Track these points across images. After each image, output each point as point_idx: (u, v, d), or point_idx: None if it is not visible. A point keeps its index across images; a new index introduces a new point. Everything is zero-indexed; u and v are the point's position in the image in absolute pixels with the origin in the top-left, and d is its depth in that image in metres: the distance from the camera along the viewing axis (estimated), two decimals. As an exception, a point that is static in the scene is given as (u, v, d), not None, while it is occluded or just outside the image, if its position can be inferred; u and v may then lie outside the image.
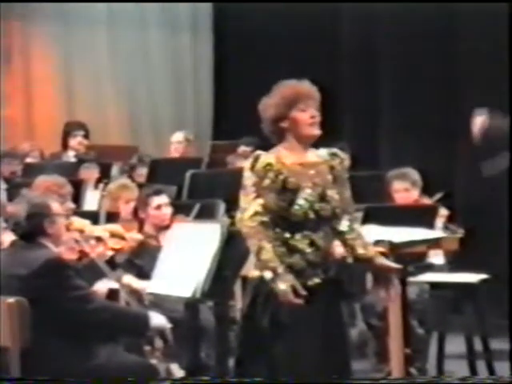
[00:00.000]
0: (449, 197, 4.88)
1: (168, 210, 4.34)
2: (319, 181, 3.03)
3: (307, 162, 3.05)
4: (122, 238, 3.86)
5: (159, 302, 3.61)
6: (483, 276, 4.16)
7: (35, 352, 2.99)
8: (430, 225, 4.05)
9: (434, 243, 3.90)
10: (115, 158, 6.11)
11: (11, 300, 3.00)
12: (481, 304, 4.10)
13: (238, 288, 4.01)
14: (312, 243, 2.99)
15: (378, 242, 3.40)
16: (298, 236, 2.98)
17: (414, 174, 4.76)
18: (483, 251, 5.67)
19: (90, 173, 5.51)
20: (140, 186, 4.97)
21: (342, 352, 3.06)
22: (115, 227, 3.95)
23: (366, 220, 3.90)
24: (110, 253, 3.69)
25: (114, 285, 3.67)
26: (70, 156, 6.26)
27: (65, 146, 6.37)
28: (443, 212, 4.65)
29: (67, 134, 6.37)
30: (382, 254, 3.16)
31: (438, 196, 4.81)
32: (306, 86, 3.05)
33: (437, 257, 4.53)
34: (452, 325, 4.26)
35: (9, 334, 3.00)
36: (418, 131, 6.36)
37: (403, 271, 3.21)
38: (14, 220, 3.17)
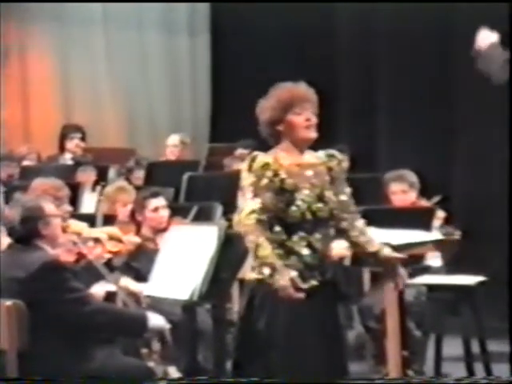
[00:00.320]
0: (446, 200, 4.88)
1: (165, 213, 4.33)
2: (317, 182, 3.04)
3: (305, 163, 3.06)
4: (120, 240, 3.86)
5: (156, 305, 3.61)
6: (481, 278, 4.16)
7: (33, 354, 2.99)
8: (428, 227, 4.05)
9: (432, 245, 3.90)
10: (112, 160, 6.10)
11: (9, 303, 3.00)
12: (478, 306, 4.10)
13: (235, 290, 4.01)
14: (309, 245, 2.99)
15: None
16: (294, 238, 2.98)
17: (412, 176, 4.76)
18: (480, 253, 5.68)
19: (87, 175, 5.50)
20: (137, 188, 4.97)
21: (340, 354, 3.06)
22: (113, 230, 3.95)
23: (363, 222, 3.90)
24: (107, 255, 3.69)
25: (112, 287, 3.66)
26: (67, 159, 6.25)
27: (62, 148, 6.36)
28: (440, 214, 4.65)
29: (64, 136, 6.37)
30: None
31: (436, 199, 4.81)
32: (302, 89, 3.05)
33: (434, 259, 4.53)
34: (449, 327, 4.26)
35: (6, 336, 3.00)
36: (415, 133, 6.37)
37: (407, 260, 3.23)
38: (9, 224, 3.18)
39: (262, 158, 3.01)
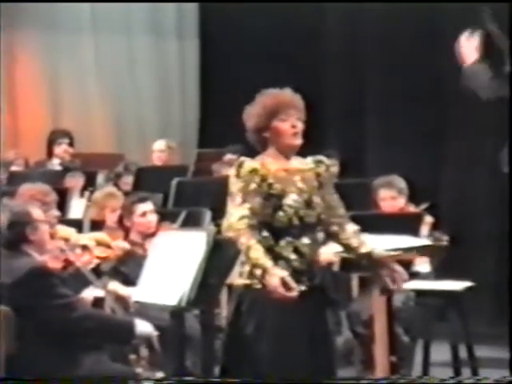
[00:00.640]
0: (434, 207, 4.89)
1: (153, 217, 4.33)
2: (305, 187, 3.05)
3: (292, 169, 3.07)
4: (108, 246, 3.85)
5: (144, 311, 3.60)
6: (468, 284, 4.18)
7: (20, 360, 2.97)
8: (415, 232, 4.07)
9: (420, 251, 3.91)
10: (101, 166, 6.09)
11: (-4, 309, 2.98)
12: (466, 311, 4.11)
13: (223, 296, 4.01)
14: (296, 250, 3.00)
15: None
16: (282, 243, 2.99)
17: (401, 182, 4.77)
18: (468, 259, 5.70)
19: (76, 181, 5.49)
20: (126, 194, 4.96)
21: (328, 359, 3.06)
22: (101, 235, 3.94)
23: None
24: (95, 261, 3.68)
25: (100, 293, 3.65)
26: (55, 164, 6.23)
27: (50, 154, 6.34)
28: (428, 219, 4.66)
29: (52, 142, 6.35)
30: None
31: (424, 206, 4.83)
32: (287, 96, 3.06)
33: (422, 265, 4.54)
34: (437, 332, 4.28)
35: (-7, 342, 2.99)
36: (404, 137, 6.38)
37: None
38: (-3, 230, 3.16)
39: (249, 163, 3.02)
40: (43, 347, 3.01)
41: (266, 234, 2.98)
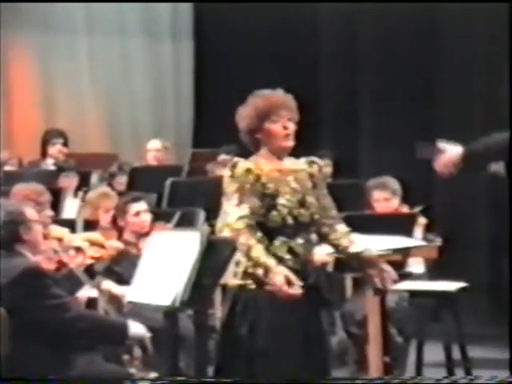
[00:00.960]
0: (428, 210, 4.90)
1: (147, 217, 4.32)
2: (298, 187, 3.06)
3: (286, 169, 3.08)
4: (102, 246, 3.84)
5: (138, 311, 3.59)
6: (462, 284, 4.19)
7: (13, 361, 2.97)
8: (409, 233, 4.07)
9: (414, 251, 3.92)
10: (95, 165, 6.08)
11: (-11, 309, 2.97)
12: (459, 312, 4.12)
13: (217, 296, 4.01)
14: (290, 250, 3.00)
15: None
16: (276, 243, 2.99)
17: (394, 184, 4.78)
18: (462, 260, 5.71)
19: (69, 181, 5.48)
20: (120, 194, 4.96)
21: (322, 359, 3.06)
22: (95, 235, 3.93)
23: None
24: (89, 261, 3.67)
25: (93, 293, 3.64)
26: (49, 164, 6.22)
27: (44, 154, 6.33)
28: (422, 221, 4.67)
29: (46, 141, 6.33)
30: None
31: (418, 209, 4.84)
32: (278, 97, 3.06)
33: (416, 265, 4.55)
34: (430, 333, 4.28)
35: (-14, 343, 2.98)
36: (398, 139, 6.39)
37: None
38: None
39: (243, 163, 3.02)
40: (36, 348, 3.00)
41: (259, 234, 2.98)
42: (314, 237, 3.11)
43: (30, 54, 7.53)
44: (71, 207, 5.06)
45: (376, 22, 6.58)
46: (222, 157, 6.23)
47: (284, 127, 3.03)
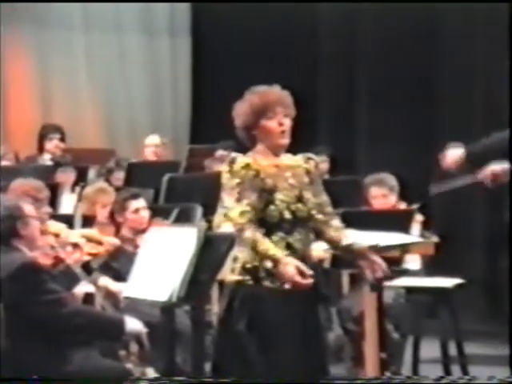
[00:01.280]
0: (425, 207, 4.91)
1: (146, 214, 4.32)
2: (295, 183, 3.06)
3: (283, 165, 3.08)
4: (99, 242, 3.84)
5: (135, 306, 3.59)
6: (458, 281, 4.19)
7: (9, 356, 2.97)
8: (406, 230, 4.08)
9: (411, 248, 3.93)
10: (92, 161, 6.07)
11: (-15, 304, 2.97)
12: (456, 308, 4.13)
13: (214, 292, 4.01)
14: (288, 246, 3.00)
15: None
16: (274, 238, 3.00)
17: (392, 180, 4.78)
18: (458, 256, 5.72)
19: (67, 176, 5.47)
20: (117, 189, 4.95)
21: (320, 355, 3.07)
22: (92, 232, 3.93)
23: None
24: (86, 257, 3.67)
25: (90, 289, 3.64)
26: (46, 159, 6.21)
27: (41, 149, 6.32)
28: (418, 218, 4.68)
29: (43, 137, 6.32)
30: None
31: (415, 206, 4.84)
32: (274, 93, 3.06)
33: (413, 262, 4.56)
34: (427, 329, 4.29)
35: (-18, 338, 2.98)
36: (395, 136, 6.40)
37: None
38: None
39: (241, 159, 3.03)
40: (33, 343, 3.00)
41: (258, 229, 2.98)
42: (311, 233, 3.11)
43: (27, 51, 7.52)
44: (68, 202, 5.06)
45: (375, 22, 6.58)
46: (220, 153, 6.22)
47: (280, 124, 3.04)
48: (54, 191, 4.62)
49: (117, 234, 4.28)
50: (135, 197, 4.35)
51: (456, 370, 4.16)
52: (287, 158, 3.12)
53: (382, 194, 4.72)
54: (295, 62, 7.01)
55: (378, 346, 3.52)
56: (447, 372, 4.18)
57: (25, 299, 3.00)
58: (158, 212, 4.50)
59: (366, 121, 6.77)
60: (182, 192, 5.11)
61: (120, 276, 3.89)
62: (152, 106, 7.89)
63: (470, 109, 5.98)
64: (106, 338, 3.25)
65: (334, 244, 3.12)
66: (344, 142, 6.68)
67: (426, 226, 4.76)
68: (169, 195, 5.15)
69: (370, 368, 3.54)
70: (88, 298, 3.70)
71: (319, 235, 3.12)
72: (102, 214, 4.60)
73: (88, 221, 4.35)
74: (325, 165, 5.85)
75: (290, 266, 2.89)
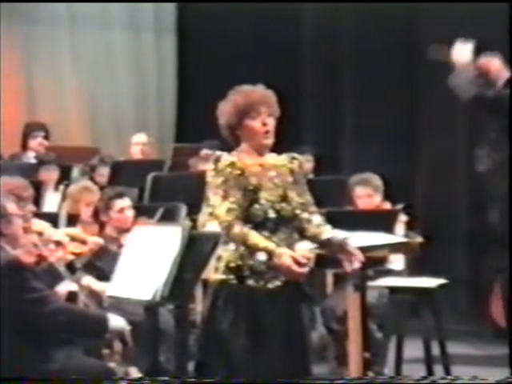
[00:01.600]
0: (409, 207, 4.93)
1: (130, 213, 4.32)
2: (279, 182, 3.07)
3: (267, 164, 3.09)
4: (83, 242, 3.83)
5: (118, 305, 3.59)
6: (441, 281, 4.21)
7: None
8: (390, 230, 4.09)
9: (395, 248, 3.94)
10: (76, 159, 6.05)
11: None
12: (438, 308, 4.15)
13: (198, 291, 4.00)
14: (272, 245, 3.00)
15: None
16: (258, 238, 2.99)
17: (376, 180, 4.80)
18: (441, 257, 5.75)
19: (50, 174, 5.45)
20: (101, 188, 4.93)
21: (303, 355, 3.07)
22: (76, 231, 3.92)
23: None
24: (69, 257, 3.65)
25: (74, 287, 3.63)
26: (30, 157, 6.18)
27: (24, 146, 6.28)
28: (403, 218, 4.69)
29: (27, 134, 6.28)
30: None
31: (400, 207, 4.87)
32: (258, 93, 3.06)
33: (396, 262, 4.57)
34: (410, 329, 4.31)
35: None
36: (380, 136, 6.42)
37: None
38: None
39: (226, 157, 3.03)
40: (16, 341, 2.98)
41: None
42: (295, 232, 3.12)
43: (11, 46, 7.46)
44: (52, 201, 5.04)
45: (359, 20, 6.59)
46: (205, 152, 6.22)
47: (263, 123, 3.04)
48: (38, 189, 4.59)
49: (101, 232, 4.26)
50: (120, 196, 4.34)
51: (439, 369, 4.18)
52: (272, 158, 3.13)
53: (367, 194, 4.73)
54: (280, 61, 7.01)
55: (362, 346, 3.53)
56: (430, 371, 4.20)
57: (8, 297, 2.98)
58: (142, 211, 4.49)
59: (351, 120, 6.78)
60: (166, 191, 5.10)
61: (104, 275, 3.88)
62: (137, 104, 7.86)
63: (454, 109, 6.00)
64: (89, 336, 3.24)
65: (315, 240, 3.12)
66: (329, 142, 6.70)
67: (410, 226, 4.78)
68: (153, 194, 5.14)
69: (354, 367, 3.55)
70: (71, 296, 3.68)
71: (302, 233, 3.12)
72: (85, 213, 4.58)
73: (72, 219, 4.33)
74: (309, 164, 5.86)
75: (286, 256, 2.91)
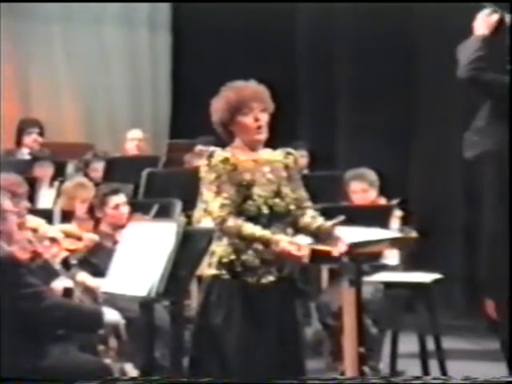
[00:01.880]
0: (405, 203, 4.94)
1: (125, 210, 4.31)
2: (273, 177, 3.07)
3: (261, 159, 3.09)
4: (78, 238, 3.82)
5: (113, 301, 3.58)
6: (436, 276, 4.22)
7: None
8: (385, 225, 4.10)
9: (390, 243, 3.94)
10: (70, 155, 6.04)
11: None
12: (433, 303, 4.16)
13: (193, 287, 4.01)
14: (265, 240, 3.00)
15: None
16: (251, 233, 2.99)
17: (372, 175, 4.79)
18: (436, 252, 5.76)
19: (45, 170, 5.43)
20: (96, 183, 4.93)
21: (296, 350, 3.08)
22: (71, 228, 3.91)
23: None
24: (64, 253, 3.65)
25: (69, 283, 3.63)
26: (25, 153, 6.16)
27: (19, 143, 6.27)
28: (398, 213, 4.70)
29: (21, 131, 6.27)
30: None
31: (395, 202, 4.87)
32: (250, 89, 3.06)
33: (391, 257, 4.58)
34: (405, 324, 4.32)
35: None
36: (375, 131, 6.43)
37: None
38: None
39: (220, 153, 3.03)
40: (11, 337, 2.98)
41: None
42: (289, 228, 3.12)
43: (5, 43, 7.44)
44: (46, 197, 5.03)
45: (356, 16, 6.59)
46: (199, 148, 6.21)
47: (256, 119, 3.03)
48: (32, 185, 4.59)
49: (95, 229, 4.26)
50: (115, 192, 4.34)
51: (434, 364, 4.19)
52: (266, 153, 3.13)
53: (363, 189, 4.73)
54: (275, 57, 7.01)
55: (357, 341, 3.53)
56: (425, 366, 4.20)
57: (3, 293, 2.97)
58: (137, 207, 4.49)
59: (346, 116, 6.79)
60: (161, 187, 5.10)
61: (99, 271, 3.87)
62: (132, 100, 7.85)
63: (448, 105, 6.01)
64: (85, 330, 3.24)
65: (307, 231, 3.12)
66: (324, 137, 6.70)
67: (405, 221, 4.78)
68: (148, 190, 5.14)
69: (349, 362, 3.56)
70: (66, 292, 3.68)
71: (294, 225, 3.12)
72: (80, 209, 4.58)
73: (67, 216, 4.33)
74: (304, 160, 5.86)
75: (283, 242, 2.92)
